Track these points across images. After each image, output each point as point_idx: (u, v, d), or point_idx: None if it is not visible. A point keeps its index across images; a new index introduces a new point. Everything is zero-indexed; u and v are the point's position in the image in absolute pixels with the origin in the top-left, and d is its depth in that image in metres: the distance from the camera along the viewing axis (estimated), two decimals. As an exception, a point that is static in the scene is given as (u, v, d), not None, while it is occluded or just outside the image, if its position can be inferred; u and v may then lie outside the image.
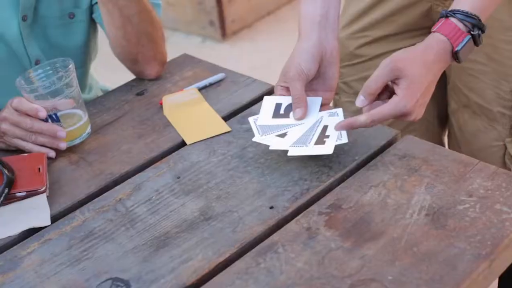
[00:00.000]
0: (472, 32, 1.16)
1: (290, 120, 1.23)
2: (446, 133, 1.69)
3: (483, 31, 1.17)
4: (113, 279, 1.04)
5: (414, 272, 0.98)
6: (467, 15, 1.16)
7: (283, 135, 1.21)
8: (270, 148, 1.20)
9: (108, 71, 2.17)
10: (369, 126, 1.18)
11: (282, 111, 1.24)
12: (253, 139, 1.23)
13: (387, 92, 1.18)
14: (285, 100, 1.24)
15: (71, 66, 1.32)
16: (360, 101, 1.17)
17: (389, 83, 1.16)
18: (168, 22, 3.47)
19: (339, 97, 1.66)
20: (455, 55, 1.16)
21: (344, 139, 1.18)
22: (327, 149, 1.17)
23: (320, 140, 1.19)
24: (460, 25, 1.16)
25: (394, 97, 1.14)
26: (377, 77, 1.15)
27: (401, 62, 1.14)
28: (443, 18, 1.18)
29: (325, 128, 1.21)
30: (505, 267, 1.06)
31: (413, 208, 1.09)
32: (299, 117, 1.21)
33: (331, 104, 1.24)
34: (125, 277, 1.04)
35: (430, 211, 1.08)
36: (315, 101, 1.24)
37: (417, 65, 1.14)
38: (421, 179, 1.15)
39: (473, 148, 1.50)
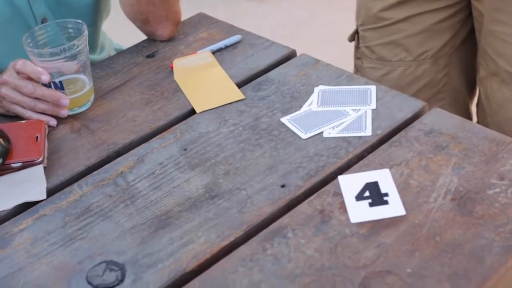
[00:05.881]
0: None
1: None
2: (475, 102, 1.57)
3: None
4: (107, 262, 0.96)
5: (435, 264, 0.88)
6: None
7: None
8: None
9: (125, 30, 2.07)
10: None
11: None
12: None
13: None
14: None
15: (86, 32, 1.23)
16: None
17: None
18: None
19: (362, 62, 1.55)
20: None
21: (368, 132, 1.11)
22: None
23: None
24: None
25: None
26: None
27: None
28: None
29: None
30: (539, 261, 0.95)
31: (438, 191, 0.99)
32: None
33: (351, 69, 1.14)
34: (120, 260, 0.96)
35: (457, 195, 0.98)
36: None
37: None
38: (448, 158, 1.04)
39: (500, 120, 1.38)
